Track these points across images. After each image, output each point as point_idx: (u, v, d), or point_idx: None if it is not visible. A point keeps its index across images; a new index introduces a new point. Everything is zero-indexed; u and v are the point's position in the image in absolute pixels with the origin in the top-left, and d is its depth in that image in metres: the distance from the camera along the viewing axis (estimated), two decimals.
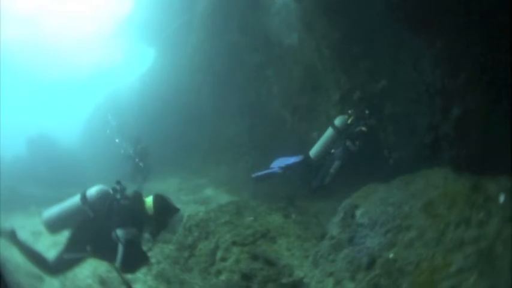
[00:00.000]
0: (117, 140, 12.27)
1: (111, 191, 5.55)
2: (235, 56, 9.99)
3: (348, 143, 7.52)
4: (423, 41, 6.94)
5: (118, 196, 5.48)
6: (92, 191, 5.52)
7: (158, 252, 7.43)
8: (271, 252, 6.62)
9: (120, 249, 5.09)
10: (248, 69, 9.78)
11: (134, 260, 5.29)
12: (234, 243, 6.74)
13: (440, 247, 5.32)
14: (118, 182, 5.55)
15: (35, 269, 5.60)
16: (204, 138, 12.30)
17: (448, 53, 6.88)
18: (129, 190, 5.63)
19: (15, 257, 5.64)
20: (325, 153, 7.85)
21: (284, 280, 6.00)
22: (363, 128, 7.47)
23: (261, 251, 6.60)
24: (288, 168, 8.09)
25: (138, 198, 5.48)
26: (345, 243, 6.06)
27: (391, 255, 5.52)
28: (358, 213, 6.36)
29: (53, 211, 5.55)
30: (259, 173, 8.35)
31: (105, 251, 5.25)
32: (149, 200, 5.39)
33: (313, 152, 7.97)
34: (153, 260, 7.00)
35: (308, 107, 8.66)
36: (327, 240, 6.33)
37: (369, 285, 5.37)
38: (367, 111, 7.46)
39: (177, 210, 5.64)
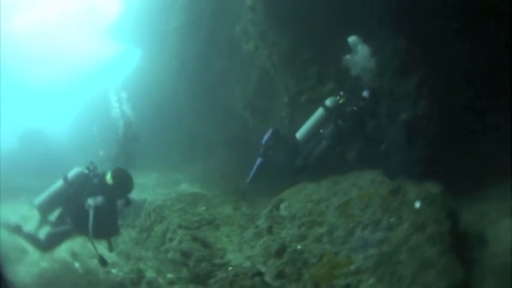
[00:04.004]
0: (101, 152, 11.83)
1: (86, 171, 6.73)
2: (205, 60, 10.68)
3: (339, 122, 7.40)
4: (372, 46, 7.26)
5: (90, 174, 6.66)
6: (71, 172, 6.73)
7: (125, 234, 8.34)
8: (212, 237, 7.29)
9: (90, 214, 6.09)
10: (215, 73, 10.49)
11: (103, 225, 6.25)
12: (180, 226, 7.50)
13: (346, 245, 5.71)
14: (91, 163, 6.81)
15: (19, 243, 6.78)
16: (182, 136, 12.95)
17: (397, 58, 7.42)
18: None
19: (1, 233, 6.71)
20: (313, 133, 7.61)
21: (216, 261, 6.62)
22: (355, 108, 7.37)
23: (203, 235, 7.30)
24: (266, 149, 7.86)
25: (102, 173, 6.62)
26: (265, 232, 6.61)
27: (299, 247, 5.98)
28: (282, 206, 6.88)
29: (42, 196, 6.74)
30: (250, 175, 8.05)
31: (81, 221, 6.18)
32: (109, 173, 6.50)
33: (300, 133, 7.71)
34: (119, 241, 7.85)
35: (264, 109, 9.22)
36: (252, 229, 6.95)
37: (276, 271, 5.88)
38: (365, 93, 7.42)
39: (132, 179, 6.72)
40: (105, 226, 6.38)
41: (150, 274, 6.86)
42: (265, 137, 7.83)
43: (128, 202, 6.76)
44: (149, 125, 12.45)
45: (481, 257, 5.93)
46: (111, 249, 6.71)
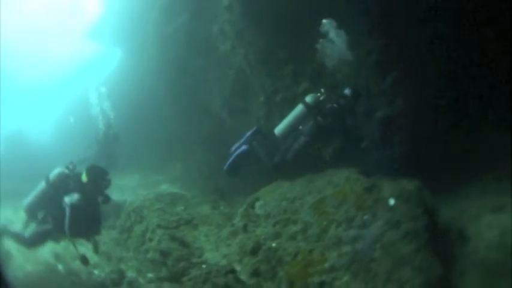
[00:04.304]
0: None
1: (66, 171, 6.76)
2: (184, 60, 10.72)
3: (319, 118, 7.34)
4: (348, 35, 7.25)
5: (70, 174, 6.72)
6: (53, 173, 6.77)
7: (106, 235, 8.25)
8: (190, 236, 7.36)
9: (67, 212, 6.20)
10: (193, 73, 10.52)
11: (80, 223, 6.29)
12: (159, 226, 7.56)
13: (320, 243, 5.77)
14: (71, 162, 6.88)
15: (3, 247, 6.95)
16: (162, 136, 12.96)
17: (374, 56, 7.44)
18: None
19: None
20: (292, 130, 7.52)
21: (194, 260, 6.69)
22: (335, 105, 7.34)
23: (181, 235, 7.37)
24: (251, 139, 7.76)
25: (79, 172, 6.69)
26: (240, 230, 6.70)
27: (273, 245, 6.06)
28: (257, 205, 6.96)
29: (29, 198, 6.83)
30: (228, 163, 7.85)
31: (61, 221, 6.28)
32: (84, 171, 6.58)
33: (278, 128, 7.63)
34: (101, 242, 7.86)
35: (241, 108, 9.27)
36: (228, 227, 7.05)
37: (252, 269, 5.97)
38: (347, 91, 7.39)
39: (107, 175, 6.74)
40: (84, 224, 6.42)
41: (130, 274, 6.93)
42: (248, 133, 7.81)
43: (107, 199, 6.79)
44: (130, 126, 12.45)
45: (462, 253, 5.97)
46: (96, 250, 6.73)
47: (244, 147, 7.76)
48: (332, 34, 7.19)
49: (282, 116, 7.68)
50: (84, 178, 6.53)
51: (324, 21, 7.22)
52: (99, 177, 6.65)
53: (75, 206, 6.27)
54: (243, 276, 6.06)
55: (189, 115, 11.07)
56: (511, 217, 6.33)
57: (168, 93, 11.78)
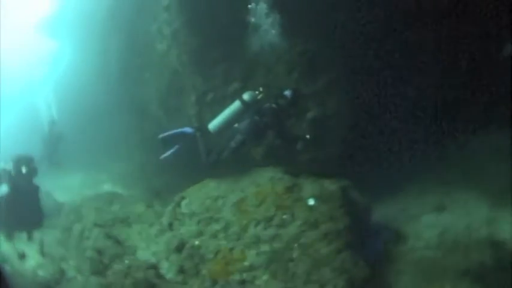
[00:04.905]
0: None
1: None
2: (125, 60, 10.80)
3: (256, 117, 7.19)
4: (285, 44, 7.48)
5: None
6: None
7: (50, 235, 8.33)
8: (124, 234, 7.47)
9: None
10: (134, 73, 10.60)
11: (15, 214, 6.65)
12: (95, 225, 7.66)
13: (240, 241, 5.95)
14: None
15: None
16: (105, 136, 12.85)
17: (305, 58, 7.54)
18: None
19: None
20: (227, 126, 7.37)
21: (126, 257, 6.77)
22: (274, 105, 7.21)
23: (116, 233, 7.46)
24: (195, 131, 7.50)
25: None
26: (167, 228, 6.88)
27: (197, 243, 6.24)
28: (183, 203, 7.07)
29: None
30: (166, 134, 7.61)
31: None
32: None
33: (213, 124, 7.42)
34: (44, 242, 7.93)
35: (176, 107, 9.32)
36: (157, 225, 7.22)
37: (177, 267, 6.15)
38: (287, 92, 7.28)
39: (32, 162, 6.82)
40: (21, 216, 6.51)
41: (71, 273, 7.01)
42: (185, 129, 7.56)
43: (36, 188, 6.84)
44: (76, 125, 12.43)
45: (399, 252, 6.21)
46: (41, 251, 6.77)
47: (189, 130, 7.53)
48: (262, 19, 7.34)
49: (213, 116, 7.60)
50: (12, 169, 6.63)
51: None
52: (23, 165, 6.74)
53: (5, 197, 6.37)
54: (170, 273, 6.24)
55: (130, 115, 11.14)
56: (452, 217, 6.68)
57: (111, 93, 11.78)
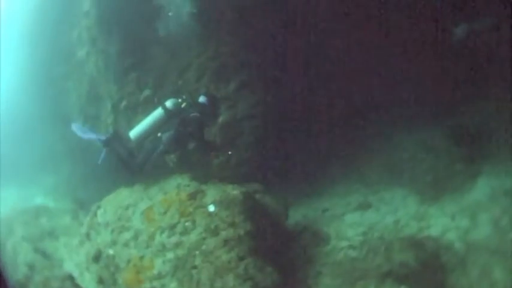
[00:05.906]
0: None
1: None
2: (48, 67, 10.60)
3: (180, 128, 6.92)
4: (193, 51, 7.65)
5: None
6: None
7: None
8: (51, 247, 7.75)
9: None
10: (56, 81, 10.52)
11: None
12: (23, 238, 7.88)
13: (148, 250, 6.05)
14: None
15: None
16: (34, 147, 12.48)
17: (216, 63, 7.64)
18: None
19: None
20: (149, 135, 7.06)
21: (56, 270, 7.09)
22: (197, 114, 6.92)
23: (43, 246, 7.73)
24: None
25: None
26: (85, 238, 7.08)
27: (111, 252, 6.40)
28: (99, 213, 7.22)
29: None
30: (80, 131, 7.35)
31: None
32: None
33: (134, 132, 7.05)
34: None
35: (95, 115, 9.33)
36: (79, 236, 7.43)
37: (97, 277, 6.36)
38: (201, 99, 7.11)
39: None
40: None
41: None
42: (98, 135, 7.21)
43: None
44: (6, 137, 12.27)
45: (320, 253, 6.22)
46: None
47: (102, 137, 7.10)
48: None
49: (129, 123, 7.68)
50: None
51: None
52: None
53: None
54: (91, 284, 6.47)
55: (54, 124, 10.92)
56: (378, 215, 6.75)
57: (35, 102, 11.54)
